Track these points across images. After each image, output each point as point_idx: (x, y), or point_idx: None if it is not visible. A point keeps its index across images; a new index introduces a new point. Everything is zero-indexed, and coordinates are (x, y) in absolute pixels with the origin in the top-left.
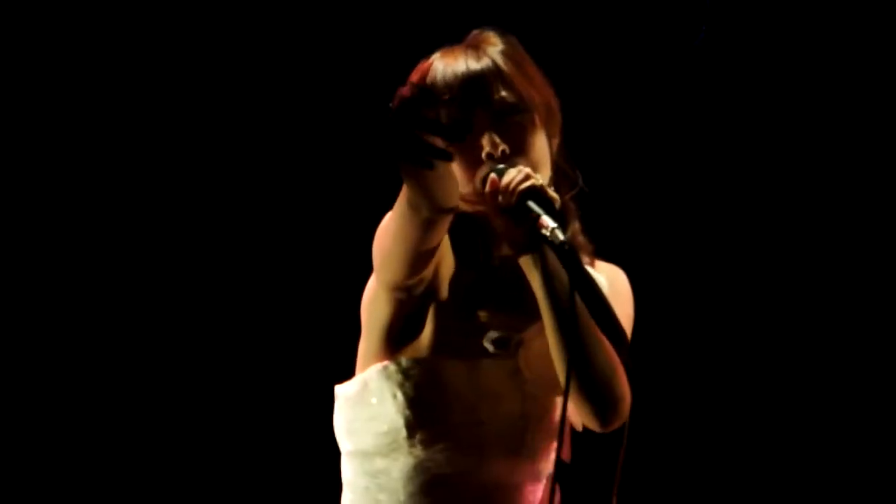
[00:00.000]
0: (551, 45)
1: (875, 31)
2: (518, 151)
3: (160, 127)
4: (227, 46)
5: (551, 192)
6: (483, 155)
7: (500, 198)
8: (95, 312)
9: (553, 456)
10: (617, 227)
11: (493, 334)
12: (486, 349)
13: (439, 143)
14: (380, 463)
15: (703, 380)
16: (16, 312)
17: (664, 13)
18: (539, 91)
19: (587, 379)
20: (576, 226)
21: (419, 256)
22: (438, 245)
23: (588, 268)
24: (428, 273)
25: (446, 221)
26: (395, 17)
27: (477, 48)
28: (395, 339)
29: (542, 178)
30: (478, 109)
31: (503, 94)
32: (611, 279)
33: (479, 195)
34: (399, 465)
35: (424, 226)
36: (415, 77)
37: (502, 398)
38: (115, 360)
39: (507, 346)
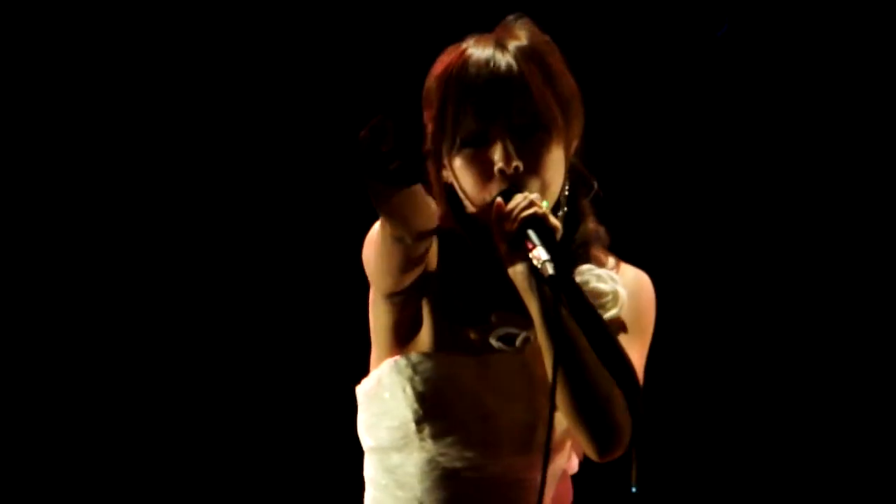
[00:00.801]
0: (566, 42)
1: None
2: (531, 169)
3: (178, 129)
4: (236, 46)
5: (553, 221)
6: (495, 169)
7: (503, 222)
8: (124, 320)
9: (572, 454)
10: (628, 227)
11: (499, 331)
12: (494, 345)
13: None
14: (396, 458)
15: (711, 381)
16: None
17: (682, 10)
18: (563, 97)
19: (581, 411)
20: (589, 226)
21: (406, 269)
22: (426, 253)
23: (608, 273)
24: (410, 279)
25: (430, 239)
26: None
27: (504, 48)
28: (402, 339)
29: (551, 196)
30: (496, 120)
31: (523, 108)
32: (633, 286)
33: (487, 211)
34: (413, 459)
35: (408, 248)
36: (438, 69)
37: (511, 394)
38: (147, 369)
39: (514, 343)
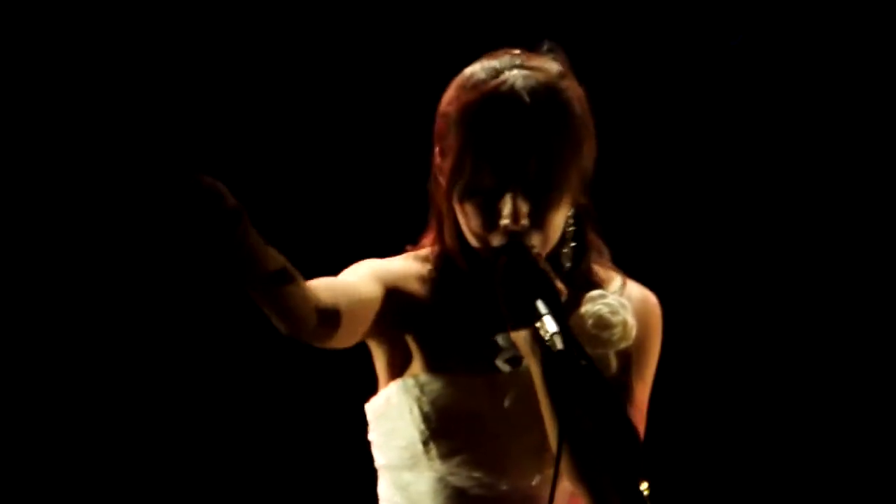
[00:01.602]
0: (574, 50)
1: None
2: (536, 225)
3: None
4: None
5: (558, 284)
6: (501, 224)
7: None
8: (133, 330)
9: None
10: (634, 234)
11: (505, 353)
12: (500, 367)
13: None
14: (407, 476)
15: (711, 383)
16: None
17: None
18: (579, 145)
19: (583, 475)
20: (593, 251)
21: (347, 325)
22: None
23: (618, 301)
24: (363, 322)
25: (286, 286)
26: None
27: (528, 92)
28: (403, 366)
29: (550, 245)
30: (512, 179)
31: (540, 169)
32: (640, 310)
33: (487, 254)
34: (424, 478)
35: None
36: (458, 103)
37: (518, 414)
38: (162, 383)
39: (519, 364)
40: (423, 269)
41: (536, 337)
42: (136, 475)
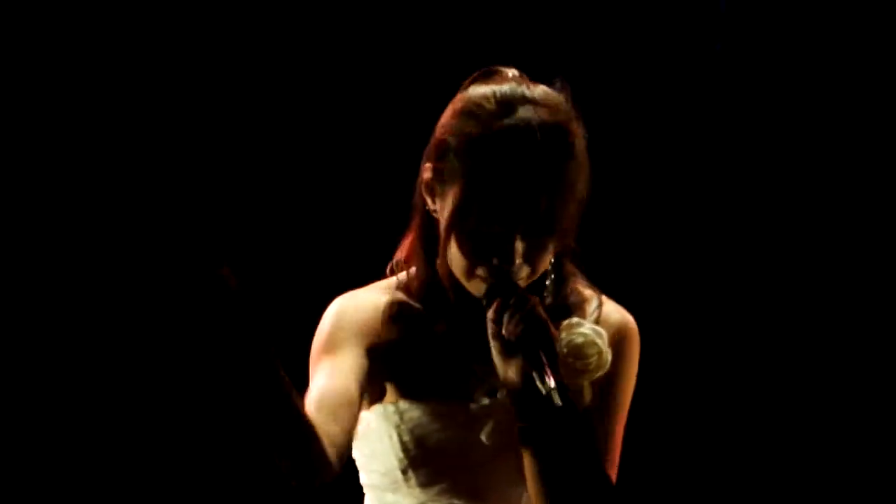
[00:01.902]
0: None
1: (876, 33)
2: (528, 261)
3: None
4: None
5: (553, 330)
6: (494, 260)
7: (503, 327)
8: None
9: None
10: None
11: (484, 385)
12: (477, 398)
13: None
14: (390, 498)
15: (706, 384)
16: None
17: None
18: (581, 195)
19: None
20: (570, 277)
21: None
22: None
23: (594, 329)
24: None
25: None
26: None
27: (541, 138)
28: (381, 392)
29: (533, 279)
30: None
31: (544, 218)
32: (617, 334)
33: (471, 285)
34: (407, 502)
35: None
36: (463, 134)
37: (497, 444)
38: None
39: (496, 395)
40: (402, 300)
41: (528, 380)
42: (122, 484)
